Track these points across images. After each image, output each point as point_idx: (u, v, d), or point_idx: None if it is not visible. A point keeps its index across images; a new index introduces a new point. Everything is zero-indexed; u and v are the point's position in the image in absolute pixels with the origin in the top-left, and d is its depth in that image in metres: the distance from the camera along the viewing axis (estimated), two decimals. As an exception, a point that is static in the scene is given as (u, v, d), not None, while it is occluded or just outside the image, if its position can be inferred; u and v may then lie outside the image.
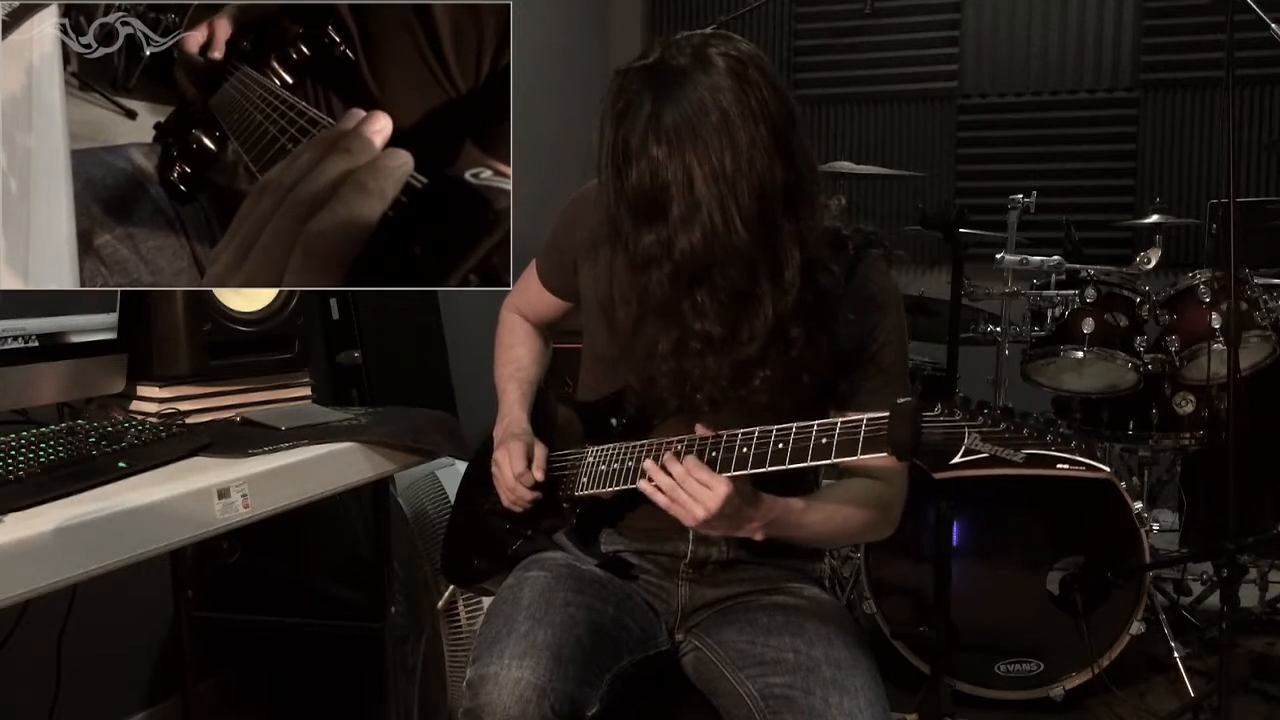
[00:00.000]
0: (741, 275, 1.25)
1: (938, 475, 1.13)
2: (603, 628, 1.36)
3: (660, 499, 1.28)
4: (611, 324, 1.43)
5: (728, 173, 1.21)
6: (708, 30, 1.32)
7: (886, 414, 1.14)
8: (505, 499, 1.54)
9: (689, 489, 1.24)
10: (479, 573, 1.64)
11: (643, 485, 1.30)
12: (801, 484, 1.43)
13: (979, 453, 1.09)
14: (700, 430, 1.29)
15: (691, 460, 1.25)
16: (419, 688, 2.12)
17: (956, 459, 1.09)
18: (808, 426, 1.21)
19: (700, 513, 1.23)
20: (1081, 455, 1.06)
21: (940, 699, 2.26)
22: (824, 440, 1.19)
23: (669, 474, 1.26)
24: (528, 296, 1.70)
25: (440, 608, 2.07)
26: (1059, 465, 1.09)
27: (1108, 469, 1.05)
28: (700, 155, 1.21)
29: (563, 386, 1.65)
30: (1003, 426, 1.09)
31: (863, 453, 1.16)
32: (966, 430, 1.09)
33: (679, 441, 1.32)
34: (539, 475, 1.50)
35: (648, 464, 1.30)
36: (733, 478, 1.24)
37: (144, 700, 2.28)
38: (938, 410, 1.11)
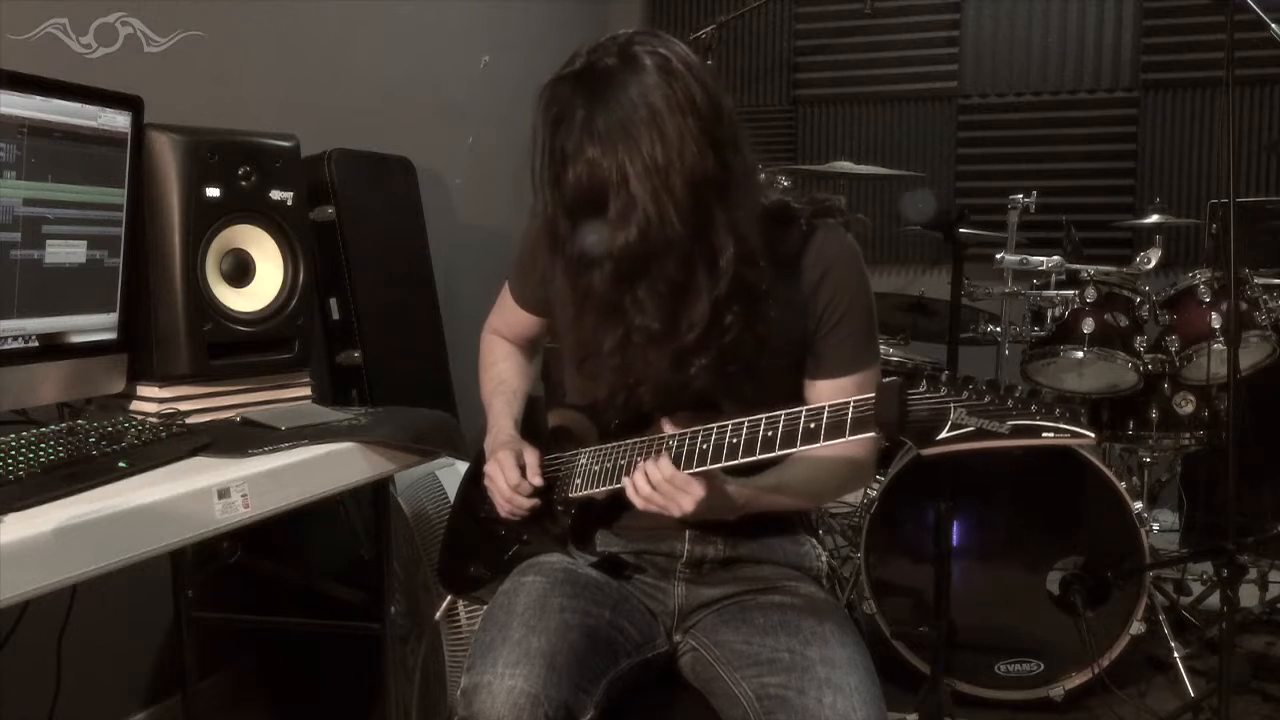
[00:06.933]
0: (678, 268, 1.27)
1: (926, 452, 1.13)
2: (599, 632, 1.35)
3: (646, 506, 1.33)
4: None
5: (660, 166, 1.23)
6: (632, 30, 1.34)
7: (873, 395, 1.15)
8: (502, 510, 1.53)
9: (665, 493, 1.29)
10: (475, 581, 1.63)
11: (630, 495, 1.34)
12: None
13: (965, 426, 1.09)
14: (668, 428, 1.33)
15: (666, 465, 1.29)
16: (419, 688, 2.12)
17: (943, 434, 1.10)
18: (795, 413, 1.23)
19: (677, 512, 1.30)
20: (1066, 423, 1.07)
21: (940, 699, 2.26)
22: (812, 425, 1.21)
23: (650, 483, 1.31)
24: (505, 317, 1.72)
25: (439, 619, 2.06)
26: (1044, 434, 1.09)
27: (1092, 434, 1.05)
28: (633, 152, 1.23)
29: (556, 390, 1.65)
30: (988, 399, 1.09)
31: (851, 434, 1.18)
32: (952, 405, 1.10)
33: (670, 437, 1.33)
34: (536, 480, 1.50)
35: (625, 480, 1.35)
36: (705, 474, 1.28)
37: (144, 700, 2.28)
38: (924, 387, 1.12)
